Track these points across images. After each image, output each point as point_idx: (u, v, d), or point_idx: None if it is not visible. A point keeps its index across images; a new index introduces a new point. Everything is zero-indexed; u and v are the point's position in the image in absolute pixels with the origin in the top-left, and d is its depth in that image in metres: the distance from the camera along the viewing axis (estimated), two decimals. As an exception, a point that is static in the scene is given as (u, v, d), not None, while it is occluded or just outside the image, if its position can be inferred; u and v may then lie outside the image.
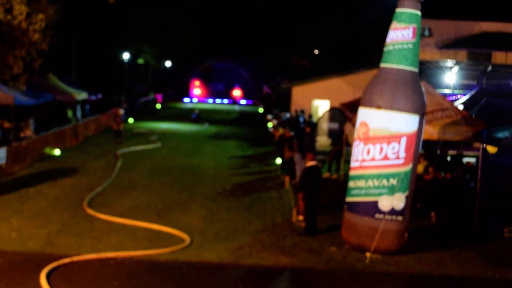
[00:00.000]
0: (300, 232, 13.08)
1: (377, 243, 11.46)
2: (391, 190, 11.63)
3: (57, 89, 30.41)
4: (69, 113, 32.04)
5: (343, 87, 32.73)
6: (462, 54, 37.84)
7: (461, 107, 20.95)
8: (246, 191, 17.65)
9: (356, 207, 11.96)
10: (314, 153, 14.90)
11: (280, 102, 45.00)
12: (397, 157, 11.62)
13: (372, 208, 11.71)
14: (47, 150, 22.36)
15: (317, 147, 20.90)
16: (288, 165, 17.25)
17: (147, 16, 54.92)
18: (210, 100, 70.09)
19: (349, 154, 14.81)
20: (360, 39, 56.21)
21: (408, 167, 11.65)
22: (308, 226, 12.98)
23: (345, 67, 39.46)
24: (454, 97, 30.70)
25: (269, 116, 37.72)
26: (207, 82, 72.45)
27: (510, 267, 11.59)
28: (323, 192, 13.94)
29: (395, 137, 11.62)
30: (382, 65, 12.06)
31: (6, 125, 22.28)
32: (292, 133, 20.97)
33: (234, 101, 70.44)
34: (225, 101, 70.44)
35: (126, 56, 51.83)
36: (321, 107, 33.73)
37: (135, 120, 39.00)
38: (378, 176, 11.68)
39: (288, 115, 33.42)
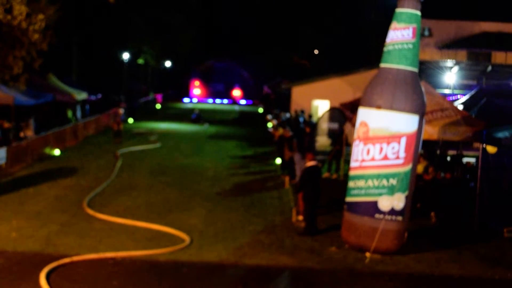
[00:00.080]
0: (300, 232, 13.08)
1: (377, 243, 11.46)
2: (391, 190, 11.63)
3: (57, 89, 30.42)
4: (69, 113, 32.05)
5: (343, 87, 32.67)
6: (462, 54, 37.86)
7: (461, 107, 20.94)
8: (246, 191, 17.65)
9: (356, 207, 11.96)
10: (314, 153, 14.90)
11: (280, 102, 44.99)
12: (397, 157, 11.61)
13: (372, 208, 11.71)
14: (47, 150, 22.37)
15: (317, 147, 20.87)
16: (288, 165, 17.24)
17: (147, 16, 54.93)
18: (210, 100, 70.10)
19: (349, 154, 14.80)
20: (360, 39, 56.22)
21: (408, 167, 11.65)
22: (308, 226, 12.98)
23: (345, 67, 39.41)
24: (454, 97, 30.69)
25: (269, 116, 37.73)
26: (207, 82, 72.45)
27: (510, 267, 11.59)
28: (323, 192, 13.93)
29: (395, 137, 11.62)
30: (382, 65, 12.05)
31: (6, 125, 22.28)
32: (291, 133, 20.96)
33: (234, 101, 70.45)
34: (225, 101, 70.45)
35: (126, 56, 51.84)
36: (321, 107, 33.68)
37: (135, 120, 39.01)
38: (378, 176, 11.68)
39: (288, 115, 33.41)
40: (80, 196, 15.70)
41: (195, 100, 69.39)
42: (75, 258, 10.55)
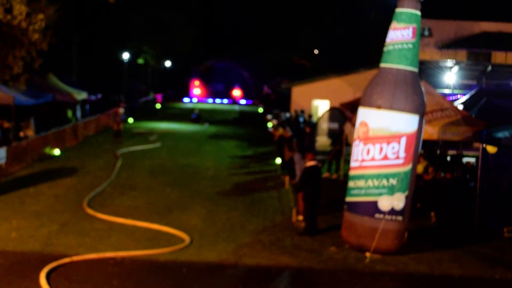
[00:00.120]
0: (300, 232, 13.08)
1: (377, 243, 11.46)
2: (391, 190, 11.63)
3: (57, 89, 30.41)
4: (69, 113, 32.04)
5: (343, 87, 32.70)
6: (462, 54, 37.89)
7: (461, 107, 20.94)
8: (246, 191, 17.65)
9: (356, 207, 11.96)
10: (314, 153, 14.89)
11: (280, 102, 45.00)
12: (397, 157, 11.61)
13: (372, 208, 11.71)
14: (47, 150, 22.37)
15: (317, 147, 20.88)
16: (288, 165, 17.25)
17: (147, 16, 54.93)
18: (210, 100, 70.11)
19: (349, 154, 14.81)
20: (360, 39, 56.24)
21: (408, 167, 11.65)
22: (308, 226, 12.98)
23: (345, 67, 39.43)
24: (454, 97, 30.70)
25: (269, 116, 37.73)
26: (207, 82, 72.45)
27: (510, 267, 11.59)
28: (323, 192, 13.93)
29: (395, 137, 11.62)
30: (382, 65, 12.05)
31: (6, 125, 22.28)
32: (290, 133, 20.97)
33: (234, 101, 70.45)
34: (225, 101, 70.45)
35: (126, 56, 51.84)
36: (321, 107, 33.71)
37: (135, 120, 39.02)
38: (378, 176, 11.68)
39: (288, 115, 33.42)
40: (80, 196, 15.70)
41: (195, 100, 69.39)
42: (75, 258, 10.55)
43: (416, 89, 11.81)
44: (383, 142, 11.67)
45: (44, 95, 26.97)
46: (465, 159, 19.99)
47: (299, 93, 35.22)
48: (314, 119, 28.57)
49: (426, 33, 38.42)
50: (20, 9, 20.82)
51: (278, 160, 21.51)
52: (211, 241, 12.22)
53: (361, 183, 11.87)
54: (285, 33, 64.67)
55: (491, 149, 13.99)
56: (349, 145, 18.27)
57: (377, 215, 11.65)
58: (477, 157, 17.27)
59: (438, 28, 38.86)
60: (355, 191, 11.98)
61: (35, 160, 20.86)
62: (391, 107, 11.64)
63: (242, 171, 21.25)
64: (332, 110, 21.94)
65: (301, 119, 30.05)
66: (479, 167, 14.42)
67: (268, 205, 15.89)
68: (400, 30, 11.83)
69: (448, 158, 20.34)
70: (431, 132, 14.70)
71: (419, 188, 14.47)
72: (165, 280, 9.92)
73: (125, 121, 36.54)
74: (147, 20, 54.91)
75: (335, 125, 21.10)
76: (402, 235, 11.93)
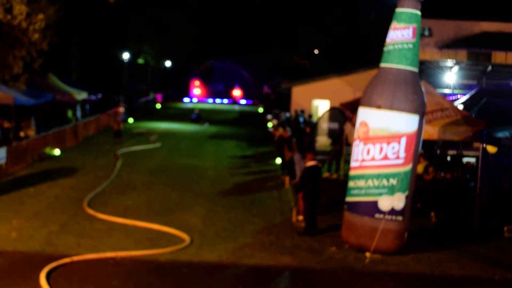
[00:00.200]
0: (300, 232, 13.08)
1: (377, 243, 11.46)
2: (391, 190, 11.63)
3: (57, 89, 30.41)
4: (69, 113, 32.04)
5: (343, 87, 32.72)
6: (462, 54, 37.93)
7: (461, 107, 20.95)
8: (246, 191, 17.64)
9: (356, 207, 11.96)
10: (314, 153, 14.90)
11: (280, 102, 44.99)
12: (397, 157, 11.61)
13: (372, 208, 11.71)
14: (47, 150, 22.37)
15: (317, 147, 20.89)
16: (288, 165, 17.24)
17: (147, 16, 54.94)
18: (210, 100, 70.09)
19: (349, 154, 14.81)
20: (360, 39, 56.22)
21: (408, 167, 11.65)
22: (308, 226, 12.98)
23: (345, 67, 39.45)
24: (454, 97, 30.70)
25: (269, 116, 37.73)
26: (207, 82, 72.44)
27: (510, 267, 11.59)
28: (323, 192, 13.93)
29: (395, 137, 11.62)
30: (382, 65, 12.05)
31: (6, 125, 22.28)
32: (290, 133, 20.96)
33: (234, 101, 70.44)
34: (225, 101, 70.44)
35: (126, 56, 51.85)
36: (321, 107, 33.73)
37: (135, 120, 39.01)
38: (378, 176, 11.68)
39: (288, 115, 33.42)
40: (80, 196, 15.70)
41: (195, 100, 69.37)
42: (75, 258, 10.55)
43: (416, 89, 11.81)
44: (383, 142, 11.67)
45: (44, 95, 26.97)
46: (465, 159, 19.98)
47: (299, 93, 35.25)
48: (314, 119, 28.57)
49: (426, 33, 38.45)
50: (20, 9, 20.84)
51: (278, 160, 21.51)
52: (211, 241, 12.22)
53: (361, 183, 11.86)
54: (285, 33, 64.65)
55: (491, 149, 14.00)
56: (349, 145, 18.26)
57: (377, 215, 11.65)
58: (477, 157, 17.27)
59: (438, 28, 38.89)
60: (355, 191, 11.98)
61: (35, 160, 20.86)
62: (391, 107, 11.64)
63: (242, 171, 21.25)
64: (332, 110, 21.95)
65: (301, 119, 30.06)
66: (479, 167, 14.42)
67: (268, 205, 15.89)
68: (400, 30, 11.83)
69: (448, 158, 20.34)
70: (431, 132, 14.71)
71: (419, 188, 14.46)
72: (165, 280, 9.92)
73: (125, 121, 36.53)
74: (147, 20, 54.92)
75: (335, 125, 21.11)
76: (402, 235, 11.93)
